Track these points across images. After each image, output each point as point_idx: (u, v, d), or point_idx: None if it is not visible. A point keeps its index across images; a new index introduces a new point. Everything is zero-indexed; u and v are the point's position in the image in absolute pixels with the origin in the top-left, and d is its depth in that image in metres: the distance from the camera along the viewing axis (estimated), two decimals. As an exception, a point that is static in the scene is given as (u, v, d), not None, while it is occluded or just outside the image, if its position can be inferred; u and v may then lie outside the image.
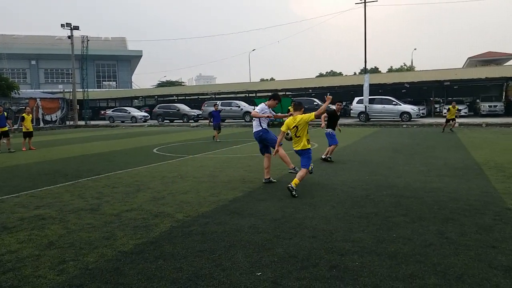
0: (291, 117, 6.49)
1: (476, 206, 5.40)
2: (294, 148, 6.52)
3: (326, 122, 10.03)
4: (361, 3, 30.18)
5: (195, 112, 35.00)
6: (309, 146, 6.45)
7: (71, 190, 7.17)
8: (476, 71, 32.52)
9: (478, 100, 33.03)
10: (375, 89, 32.03)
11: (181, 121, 34.49)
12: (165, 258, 3.82)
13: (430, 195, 6.09)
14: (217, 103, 22.99)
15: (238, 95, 41.09)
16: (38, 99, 33.70)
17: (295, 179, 6.27)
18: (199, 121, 34.12)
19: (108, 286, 3.26)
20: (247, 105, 32.90)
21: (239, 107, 32.20)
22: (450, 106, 18.87)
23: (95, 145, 16.24)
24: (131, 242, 4.32)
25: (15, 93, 31.66)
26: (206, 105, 33.75)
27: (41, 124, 33.08)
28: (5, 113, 14.72)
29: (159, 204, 5.98)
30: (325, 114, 9.70)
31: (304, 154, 6.41)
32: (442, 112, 30.61)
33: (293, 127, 6.38)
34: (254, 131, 7.37)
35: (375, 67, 69.52)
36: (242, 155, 11.65)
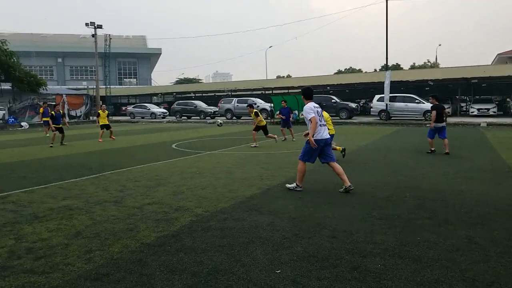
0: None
1: (507, 211, 5.12)
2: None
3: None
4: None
5: (212, 109, 35.15)
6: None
7: (96, 183, 7.32)
8: (506, 68, 30.52)
9: (508, 99, 31.52)
10: (397, 86, 31.10)
11: (198, 117, 34.70)
12: (185, 252, 3.88)
13: (457, 198, 5.82)
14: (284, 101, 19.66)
15: (254, 92, 41.04)
16: (64, 95, 34.35)
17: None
18: (216, 117, 34.26)
19: (132, 276, 3.33)
20: (263, 102, 32.84)
21: (255, 104, 32.17)
22: None
23: (117, 140, 16.49)
24: (153, 234, 4.39)
25: (43, 89, 32.31)
26: (222, 102, 33.87)
27: (67, 119, 33.66)
28: (61, 111, 15.56)
29: (178, 198, 6.06)
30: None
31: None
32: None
33: None
34: (325, 137, 6.31)
35: (396, 63, 67.19)
36: (258, 152, 11.67)
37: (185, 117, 35.51)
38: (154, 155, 11.20)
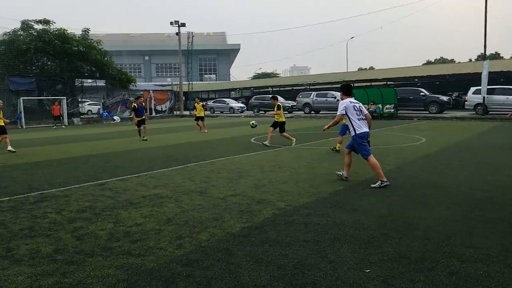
0: None
1: None
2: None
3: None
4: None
5: (289, 103, 35.17)
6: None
7: (182, 173, 7.75)
8: None
9: None
10: (496, 77, 28.22)
11: (276, 112, 34.93)
12: (270, 244, 3.91)
13: None
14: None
15: (334, 86, 40.12)
16: (151, 91, 37.11)
17: None
18: (293, 112, 34.25)
19: (220, 264, 3.45)
20: (344, 96, 31.88)
21: (335, 98, 31.45)
22: None
23: (200, 133, 17.33)
24: (237, 225, 4.51)
25: (133, 86, 35.27)
26: (300, 96, 33.70)
27: (153, 114, 36.39)
28: (144, 104, 15.28)
29: (260, 191, 6.15)
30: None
31: None
32: None
33: None
34: (366, 130, 6.47)
35: (496, 52, 60.97)
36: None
37: (263, 112, 36.03)
38: (235, 149, 11.53)
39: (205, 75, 73.26)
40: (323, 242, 3.94)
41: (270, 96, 16.92)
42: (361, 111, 6.51)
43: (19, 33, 30.19)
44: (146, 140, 14.33)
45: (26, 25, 30.37)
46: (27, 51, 29.23)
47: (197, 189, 6.38)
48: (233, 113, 37.63)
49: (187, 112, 39.80)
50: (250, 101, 37.84)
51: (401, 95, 26.81)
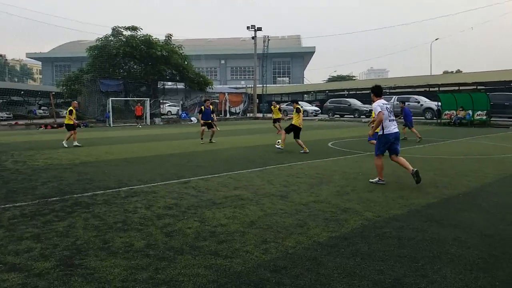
0: None
1: None
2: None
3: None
4: None
5: (367, 107, 33.88)
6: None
7: (261, 176, 7.77)
8: None
9: None
10: None
11: (352, 116, 33.93)
12: (362, 257, 3.69)
13: None
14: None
15: (416, 89, 37.87)
16: (226, 94, 38.29)
17: None
18: (371, 117, 32.93)
19: (310, 274, 3.32)
20: (428, 100, 29.94)
21: (418, 102, 29.62)
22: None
23: (274, 136, 17.40)
24: (324, 234, 4.34)
25: (209, 88, 36.69)
26: (379, 101, 32.27)
27: (227, 115, 37.48)
28: (211, 107, 15.27)
29: (344, 199, 5.90)
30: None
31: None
32: None
33: None
34: (395, 131, 6.93)
35: None
36: (428, 156, 10.62)
37: (338, 115, 35.21)
38: (312, 153, 11.32)
39: (278, 78, 73.74)
40: (421, 260, 3.61)
41: (290, 101, 16.96)
42: (391, 112, 6.95)
43: (109, 38, 33.06)
44: (213, 142, 14.24)
45: (116, 32, 33.16)
46: (116, 56, 31.89)
47: (277, 192, 6.32)
48: (307, 116, 37.27)
49: (260, 114, 40.38)
50: (325, 104, 37.19)
51: (494, 101, 24.42)
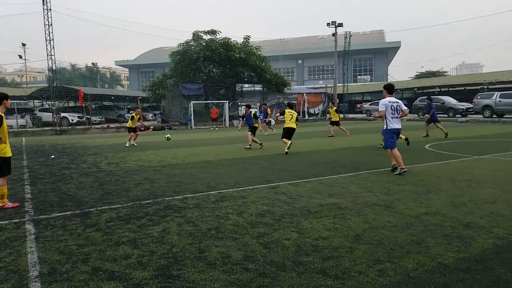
0: None
1: None
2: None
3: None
4: None
5: (463, 105, 31.02)
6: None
7: (356, 182, 7.20)
8: None
9: None
10: None
11: (446, 115, 31.27)
12: (506, 287, 3.02)
13: None
14: None
15: (521, 85, 33.77)
16: (304, 94, 37.77)
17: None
18: (468, 115, 30.06)
19: (446, 307, 2.76)
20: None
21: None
22: None
23: (360, 137, 16.51)
24: (449, 254, 3.72)
25: (288, 89, 36.48)
26: (479, 97, 29.31)
27: (306, 117, 36.92)
28: (253, 112, 14.65)
29: (462, 211, 5.13)
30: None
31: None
32: None
33: None
34: (398, 127, 8.03)
35: None
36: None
37: (428, 115, 32.72)
38: (409, 156, 10.37)
39: (359, 76, 71.15)
40: None
41: (330, 102, 16.40)
42: (397, 110, 7.98)
43: (190, 43, 34.50)
44: (249, 148, 13.43)
45: (196, 36, 34.50)
46: (197, 60, 33.16)
47: (379, 202, 5.73)
48: (393, 116, 35.26)
49: (340, 115, 39.08)
50: (414, 103, 34.79)
51: None
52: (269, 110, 24.38)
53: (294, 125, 12.14)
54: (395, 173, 7.95)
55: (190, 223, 4.90)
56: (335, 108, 18.91)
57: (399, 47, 68.29)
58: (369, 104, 39.12)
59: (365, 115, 38.33)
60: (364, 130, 21.27)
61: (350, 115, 39.59)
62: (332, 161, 9.99)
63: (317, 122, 34.33)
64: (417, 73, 68.77)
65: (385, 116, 7.98)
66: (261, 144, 13.47)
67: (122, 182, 7.70)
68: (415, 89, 45.46)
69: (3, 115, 5.81)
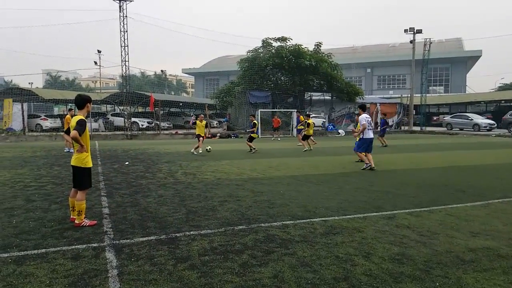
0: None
1: None
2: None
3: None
4: None
5: None
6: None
7: (494, 215, 5.70)
8: None
9: None
10: None
11: (544, 132, 27.66)
12: None
13: None
14: None
15: None
16: (378, 104, 35.57)
17: None
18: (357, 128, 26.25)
19: None
20: None
21: None
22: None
23: (451, 155, 14.55)
24: None
25: (360, 98, 34.59)
26: None
27: (379, 128, 34.68)
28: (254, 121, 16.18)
29: None
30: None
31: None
32: None
33: None
34: (371, 136, 10.65)
35: None
36: None
37: (522, 131, 29.20)
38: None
39: (433, 87, 66.61)
40: None
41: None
42: (370, 123, 10.68)
43: (259, 50, 33.96)
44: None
45: (266, 43, 33.89)
46: (265, 67, 32.49)
47: (556, 250, 4.22)
48: (479, 130, 31.94)
49: (416, 128, 36.36)
50: (504, 117, 31.30)
51: None
52: (302, 117, 22.83)
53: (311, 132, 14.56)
54: (362, 168, 10.48)
55: (305, 266, 3.79)
56: (311, 120, 17.64)
57: (480, 56, 63.13)
58: (450, 117, 35.90)
59: (445, 128, 35.19)
60: (452, 146, 18.99)
61: (428, 128, 36.61)
62: (441, 184, 8.41)
63: (392, 135, 32.02)
64: (501, 84, 62.87)
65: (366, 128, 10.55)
66: (253, 149, 15.20)
67: (205, 199, 6.82)
68: (503, 101, 41.22)
69: (85, 119, 5.15)
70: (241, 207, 6.17)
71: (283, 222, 5.31)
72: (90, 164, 5.21)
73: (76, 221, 5.12)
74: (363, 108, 10.92)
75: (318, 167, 11.04)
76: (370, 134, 10.54)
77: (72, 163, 5.19)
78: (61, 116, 30.34)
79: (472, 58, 64.57)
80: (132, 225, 5.19)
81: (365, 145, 10.58)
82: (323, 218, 5.54)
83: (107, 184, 8.31)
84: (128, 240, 4.54)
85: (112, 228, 5.05)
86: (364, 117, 10.56)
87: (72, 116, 9.07)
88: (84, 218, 5.18)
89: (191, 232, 4.84)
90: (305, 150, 16.04)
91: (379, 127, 19.72)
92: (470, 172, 10.24)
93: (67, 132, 5.69)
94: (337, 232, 4.90)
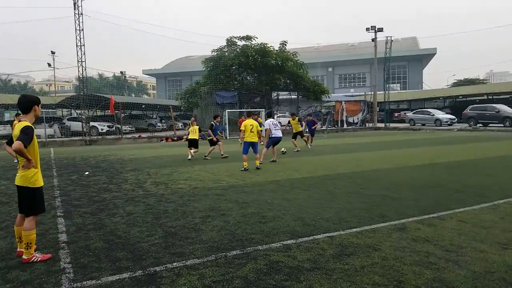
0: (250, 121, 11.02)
1: None
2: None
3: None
4: None
5: (522, 114, 28.20)
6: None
7: (506, 219, 5.11)
8: None
9: None
10: None
11: (501, 125, 28.57)
12: None
13: None
14: None
15: None
16: (343, 102, 35.56)
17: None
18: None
19: None
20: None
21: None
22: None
23: (430, 151, 14.30)
24: None
25: (326, 97, 34.37)
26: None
27: (344, 126, 34.68)
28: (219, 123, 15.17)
29: None
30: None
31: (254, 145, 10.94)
32: None
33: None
34: (279, 135, 12.13)
35: None
36: None
37: (481, 124, 30.06)
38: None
39: (388, 85, 68.16)
40: None
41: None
42: (276, 125, 12.22)
43: (224, 50, 32.93)
44: (208, 159, 13.45)
45: (230, 42, 32.91)
46: (231, 66, 31.52)
47: None
48: (440, 125, 32.59)
49: (380, 124, 36.70)
50: (464, 111, 32.09)
51: None
52: (259, 119, 22.44)
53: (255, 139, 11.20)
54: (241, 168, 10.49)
55: (330, 307, 2.93)
56: (297, 118, 17.58)
57: (435, 53, 65.30)
58: (413, 113, 36.51)
59: (408, 124, 35.72)
60: (423, 142, 18.88)
61: (392, 125, 37.05)
62: (434, 184, 7.86)
63: (358, 132, 32.03)
64: (455, 81, 65.39)
65: (270, 130, 11.98)
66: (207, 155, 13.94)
67: (183, 215, 5.82)
68: (460, 96, 42.59)
69: (32, 126, 4.04)
70: (228, 224, 5.24)
71: (283, 243, 4.44)
72: (40, 183, 4.10)
73: (24, 256, 4.00)
74: (270, 115, 13.09)
75: (299, 170, 10.26)
76: (277, 134, 12.01)
77: (17, 182, 4.06)
78: (11, 123, 27.95)
79: (428, 56, 66.72)
80: (98, 257, 4.13)
81: (272, 143, 12.03)
82: (327, 234, 4.72)
83: (64, 200, 7.09)
84: (94, 281, 3.50)
85: (72, 263, 3.97)
86: (267, 122, 12.21)
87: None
88: (35, 251, 4.07)
89: (174, 264, 3.86)
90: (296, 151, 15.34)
91: (307, 129, 19.35)
92: (456, 169, 9.82)
93: (10, 142, 4.54)
94: (350, 252, 4.09)
